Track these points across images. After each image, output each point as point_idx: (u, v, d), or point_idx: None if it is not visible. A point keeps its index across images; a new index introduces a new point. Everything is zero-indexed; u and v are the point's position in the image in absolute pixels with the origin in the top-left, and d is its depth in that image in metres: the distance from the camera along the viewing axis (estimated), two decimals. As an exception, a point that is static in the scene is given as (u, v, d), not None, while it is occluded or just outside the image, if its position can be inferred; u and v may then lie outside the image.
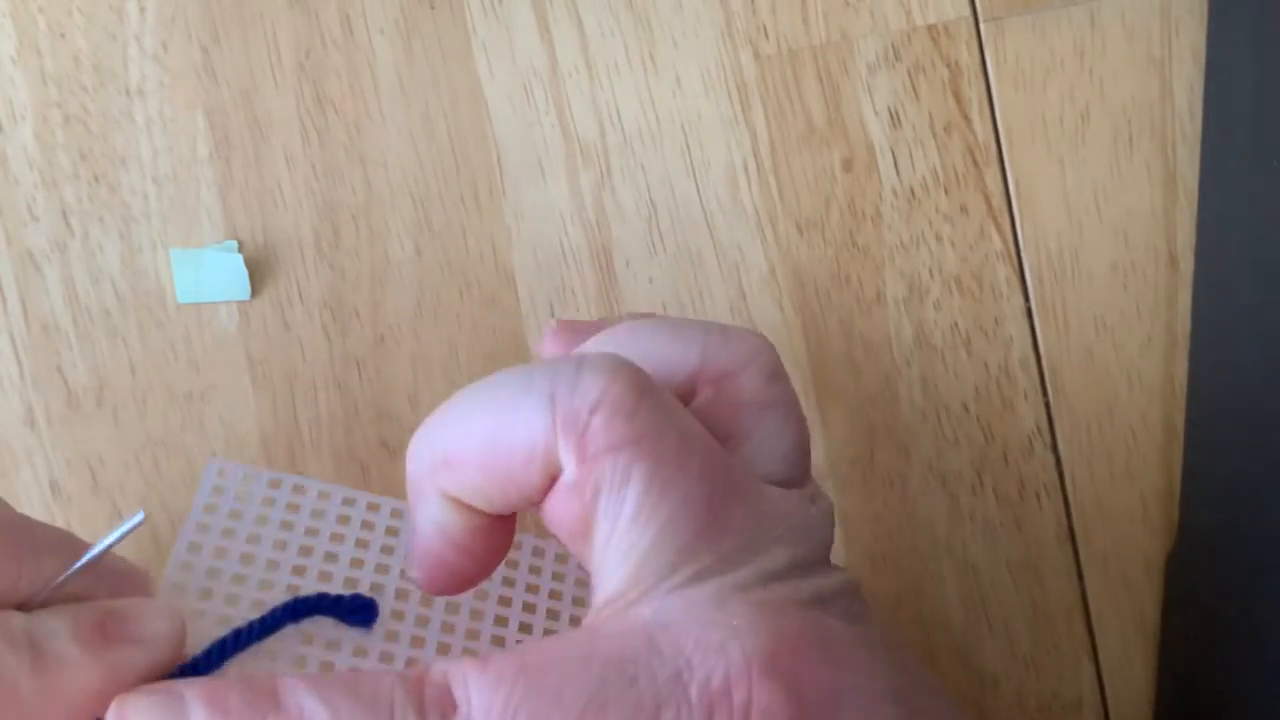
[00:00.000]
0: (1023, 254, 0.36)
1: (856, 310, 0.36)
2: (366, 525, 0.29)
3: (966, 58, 0.37)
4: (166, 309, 0.36)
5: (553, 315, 0.36)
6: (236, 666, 0.27)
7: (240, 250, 0.37)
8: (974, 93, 0.37)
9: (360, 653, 0.28)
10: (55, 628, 0.25)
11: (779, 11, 0.37)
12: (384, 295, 0.37)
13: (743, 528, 0.25)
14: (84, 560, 0.26)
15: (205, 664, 0.26)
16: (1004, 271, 0.36)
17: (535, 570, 0.31)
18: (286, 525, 0.29)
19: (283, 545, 0.29)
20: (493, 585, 0.30)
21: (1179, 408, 0.36)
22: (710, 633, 0.24)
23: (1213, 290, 0.35)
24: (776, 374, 0.28)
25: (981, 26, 0.37)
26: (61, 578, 0.26)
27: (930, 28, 0.37)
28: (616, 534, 0.25)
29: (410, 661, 0.28)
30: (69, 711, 0.24)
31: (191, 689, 0.24)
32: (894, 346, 0.36)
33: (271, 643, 0.27)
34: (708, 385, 0.28)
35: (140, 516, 0.26)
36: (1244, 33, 0.35)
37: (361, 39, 0.37)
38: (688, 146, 0.37)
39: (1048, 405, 0.36)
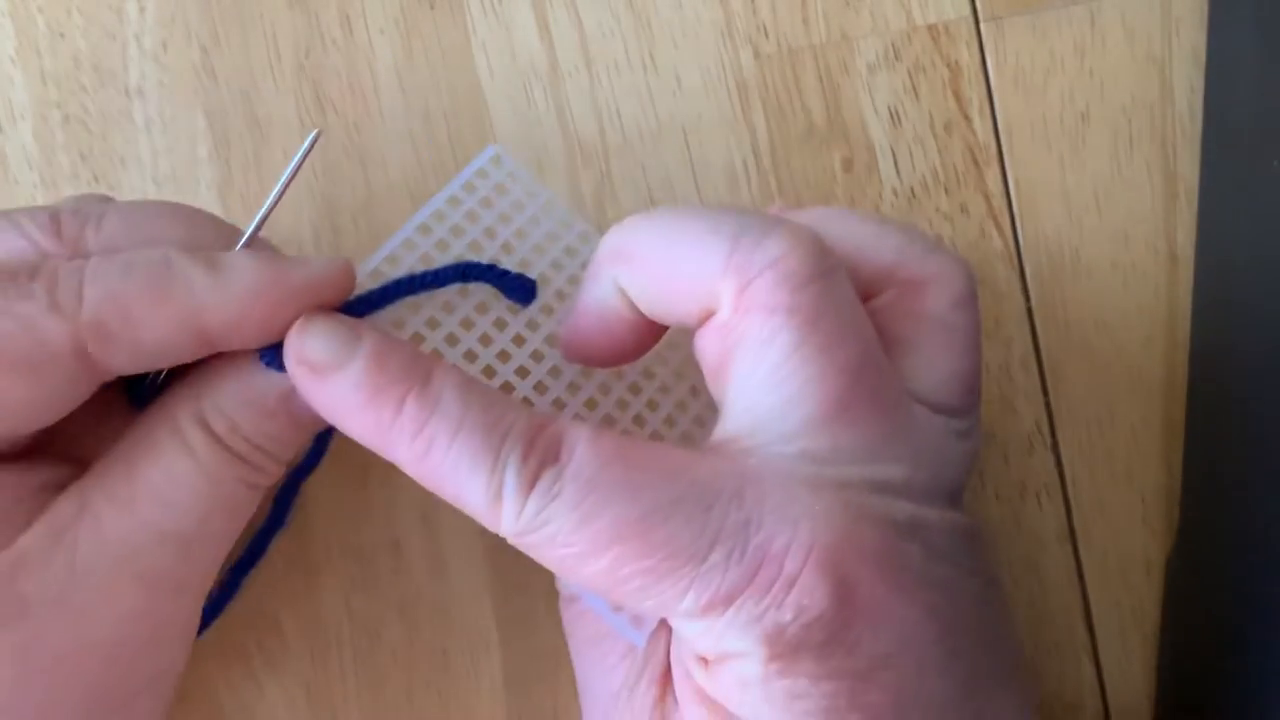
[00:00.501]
0: (1023, 254, 0.36)
1: (857, 310, 0.36)
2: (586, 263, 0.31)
3: (967, 57, 0.37)
4: (166, 309, 0.36)
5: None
6: (401, 310, 0.29)
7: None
8: (974, 92, 0.37)
9: (504, 357, 0.30)
10: (232, 253, 0.27)
11: (779, 11, 0.37)
12: (384, 295, 0.37)
13: (869, 431, 0.26)
14: (282, 181, 0.29)
15: (374, 300, 0.28)
16: (1004, 271, 0.36)
17: (695, 393, 0.32)
18: (520, 233, 0.31)
19: (509, 248, 0.30)
20: (651, 387, 0.31)
21: (1179, 408, 0.36)
22: (791, 505, 0.25)
23: (1213, 290, 0.35)
24: (964, 300, 0.29)
25: (982, 26, 0.37)
26: (271, 199, 0.29)
27: (930, 27, 0.37)
28: (748, 386, 0.26)
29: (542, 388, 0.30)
30: (239, 307, 0.26)
31: (368, 332, 0.26)
32: (894, 346, 0.36)
33: (435, 311, 0.29)
34: (894, 288, 0.29)
35: (315, 133, 0.29)
36: (1244, 33, 0.35)
37: (361, 39, 0.37)
38: (688, 146, 0.37)
39: (1048, 405, 0.36)
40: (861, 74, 0.37)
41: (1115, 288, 0.36)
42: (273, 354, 0.27)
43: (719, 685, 0.25)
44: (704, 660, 0.26)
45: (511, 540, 0.25)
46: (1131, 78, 0.37)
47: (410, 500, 0.36)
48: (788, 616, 0.24)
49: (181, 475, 0.27)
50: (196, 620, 0.30)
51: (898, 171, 0.37)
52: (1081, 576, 0.36)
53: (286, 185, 0.29)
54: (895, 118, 0.37)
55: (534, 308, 0.30)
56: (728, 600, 0.24)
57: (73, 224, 0.28)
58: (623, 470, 0.25)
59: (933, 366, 0.28)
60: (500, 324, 0.30)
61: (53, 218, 0.28)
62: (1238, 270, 0.34)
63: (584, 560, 0.25)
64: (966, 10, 0.37)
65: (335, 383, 0.26)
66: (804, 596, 0.24)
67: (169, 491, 0.27)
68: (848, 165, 0.37)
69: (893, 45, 0.37)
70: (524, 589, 0.35)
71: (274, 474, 0.29)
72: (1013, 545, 0.36)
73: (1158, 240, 0.36)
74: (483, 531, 0.36)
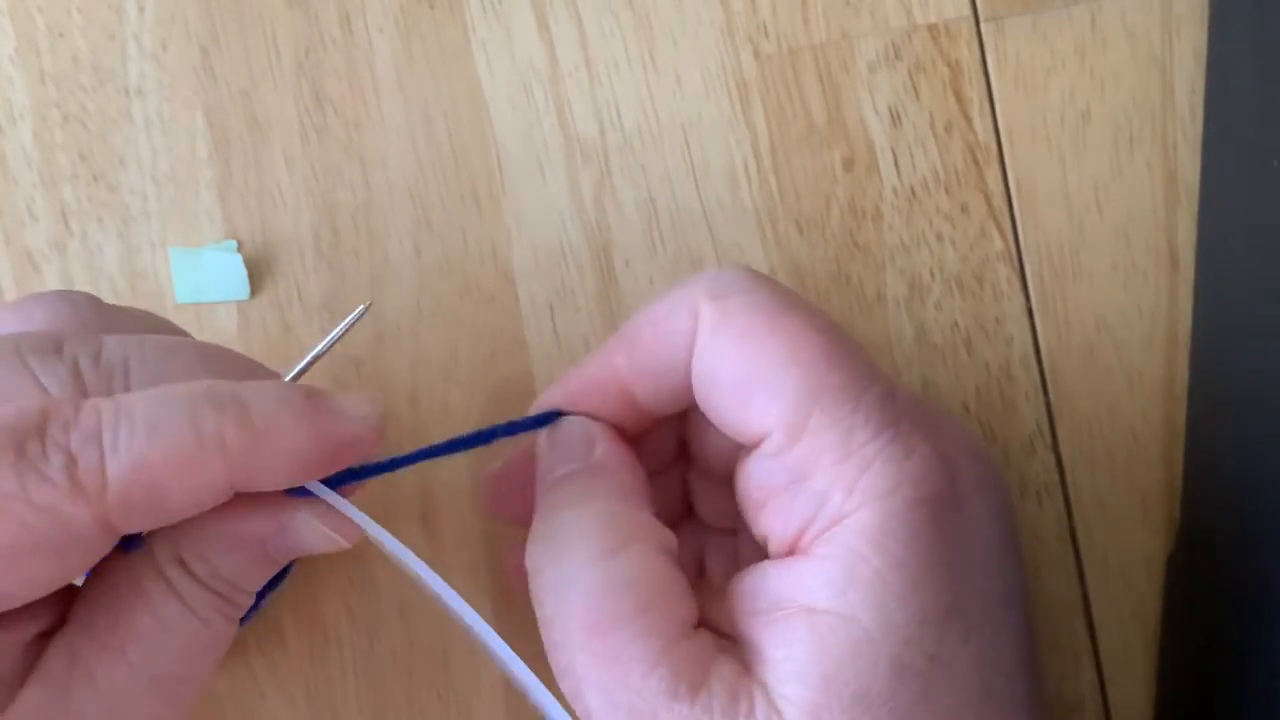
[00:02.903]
0: (1023, 254, 0.36)
1: (857, 310, 0.36)
2: None
3: (967, 57, 0.37)
4: (166, 309, 0.36)
5: (552, 315, 0.36)
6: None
7: (240, 250, 0.37)
8: (975, 92, 0.37)
9: None
10: (263, 390, 0.25)
11: (779, 11, 0.37)
12: (384, 295, 0.37)
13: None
14: (319, 348, 0.28)
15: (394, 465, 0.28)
16: (1004, 271, 0.36)
17: None
18: None
19: None
20: None
21: (1179, 408, 0.36)
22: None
23: (1213, 290, 0.35)
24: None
25: (982, 26, 0.37)
26: (302, 364, 0.28)
27: (931, 27, 0.37)
28: None
29: None
30: (277, 469, 0.25)
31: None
32: (894, 347, 0.36)
33: None
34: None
35: (362, 308, 0.28)
36: (1244, 33, 0.35)
37: (361, 38, 0.37)
38: (688, 146, 0.37)
39: (1048, 405, 0.36)
40: (861, 74, 0.37)
41: (1115, 288, 0.36)
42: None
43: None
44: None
45: None
46: (1132, 78, 0.37)
47: (410, 502, 0.36)
48: None
49: (170, 618, 0.26)
50: None
51: (898, 171, 0.37)
52: (1081, 576, 0.36)
53: (326, 349, 0.28)
54: (895, 118, 0.37)
55: None
56: None
57: (97, 383, 0.25)
58: None
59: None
60: None
61: (74, 374, 0.25)
62: (1238, 270, 0.34)
63: None
64: (967, 10, 0.37)
65: None
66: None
67: (159, 636, 0.26)
68: (848, 165, 0.37)
69: (893, 45, 0.37)
70: (524, 591, 0.35)
71: (247, 604, 0.28)
72: (1013, 545, 0.36)
73: (1158, 240, 0.36)
74: (483, 534, 0.36)
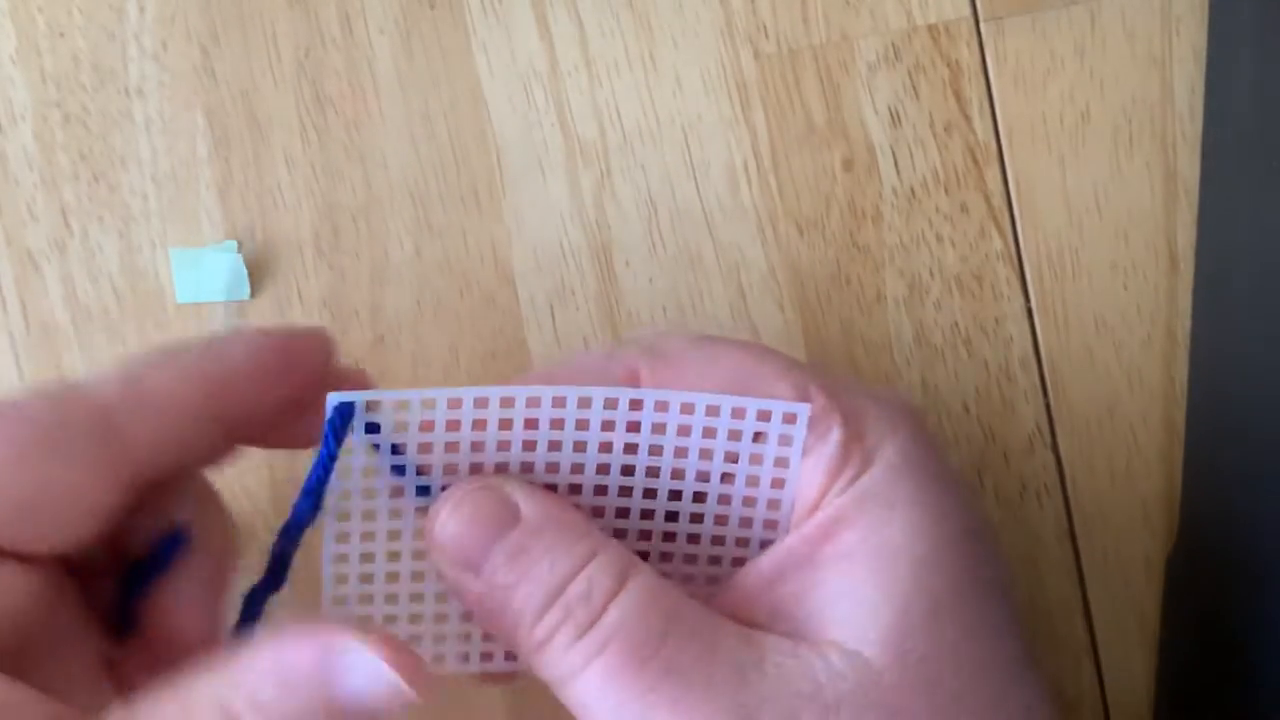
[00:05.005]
0: (1023, 254, 0.36)
1: (857, 310, 0.36)
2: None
3: (967, 57, 0.37)
4: (166, 309, 0.36)
5: (553, 315, 0.37)
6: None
7: (240, 250, 0.37)
8: (974, 92, 0.37)
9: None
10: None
11: (779, 11, 0.37)
12: (384, 295, 0.37)
13: None
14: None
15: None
16: (1004, 271, 0.36)
17: None
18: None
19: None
20: None
21: (1179, 408, 0.36)
22: None
23: (1213, 290, 0.35)
24: None
25: (982, 26, 0.37)
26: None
27: (930, 27, 0.37)
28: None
29: None
30: (246, 362, 0.28)
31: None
32: (894, 346, 0.36)
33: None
34: None
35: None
36: (1244, 32, 0.35)
37: (361, 38, 0.37)
38: (688, 146, 0.37)
39: (1048, 405, 0.36)
40: (861, 74, 0.37)
41: (1115, 288, 0.36)
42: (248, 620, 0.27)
43: None
44: None
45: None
46: (1131, 78, 0.37)
47: (410, 500, 0.36)
48: None
49: None
50: None
51: (898, 171, 0.37)
52: (1081, 576, 0.36)
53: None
54: (895, 118, 0.37)
55: None
56: None
57: None
58: None
59: None
60: None
61: None
62: (1238, 270, 0.34)
63: None
64: (966, 10, 0.37)
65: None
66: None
67: None
68: (848, 165, 0.37)
69: (893, 45, 0.37)
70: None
71: None
72: (1013, 545, 0.36)
73: (1158, 240, 0.36)
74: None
